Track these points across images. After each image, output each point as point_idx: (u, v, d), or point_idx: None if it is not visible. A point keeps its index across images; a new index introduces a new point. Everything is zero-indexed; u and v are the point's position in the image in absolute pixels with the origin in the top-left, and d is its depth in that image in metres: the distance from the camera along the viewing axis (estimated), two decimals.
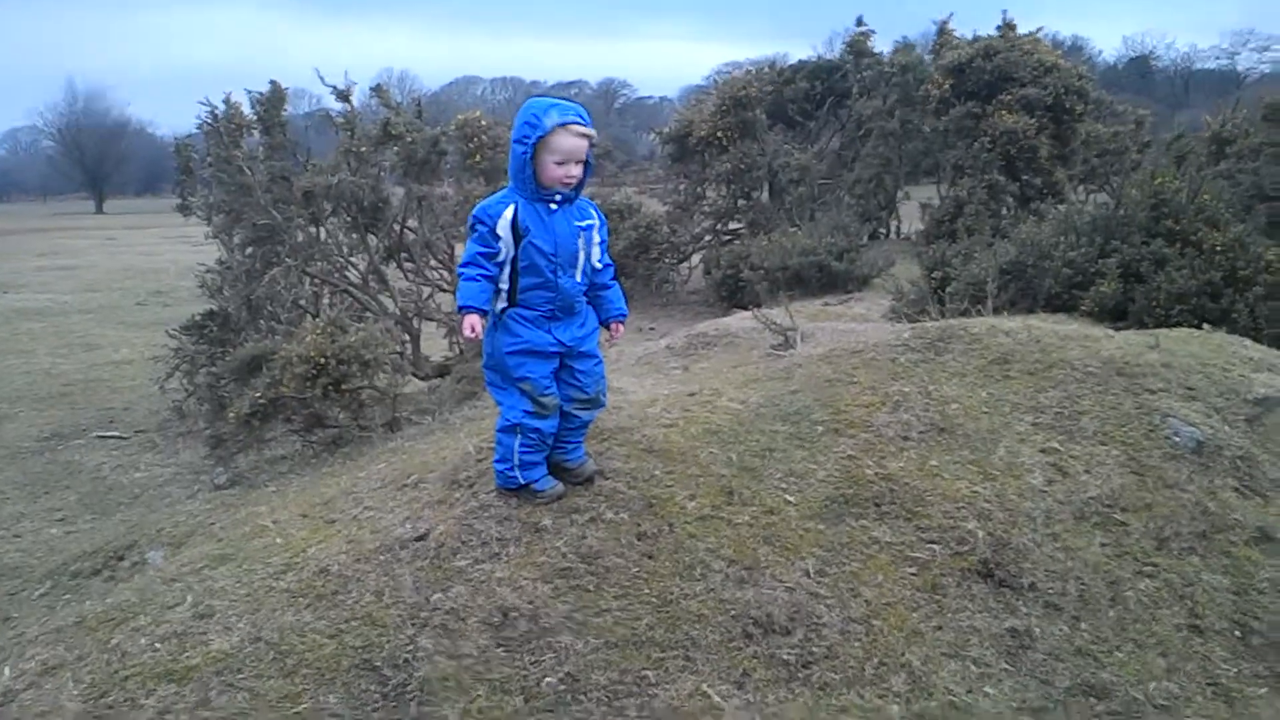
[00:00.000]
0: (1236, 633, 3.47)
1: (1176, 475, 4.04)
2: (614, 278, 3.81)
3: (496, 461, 3.78)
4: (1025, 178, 15.41)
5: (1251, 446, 4.31)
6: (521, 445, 3.66)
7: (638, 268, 15.66)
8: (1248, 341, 5.63)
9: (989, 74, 15.83)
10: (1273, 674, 3.35)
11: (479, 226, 3.46)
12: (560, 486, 3.77)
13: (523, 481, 3.73)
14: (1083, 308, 7.87)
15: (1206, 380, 4.71)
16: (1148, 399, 4.45)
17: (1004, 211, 14.99)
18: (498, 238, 3.45)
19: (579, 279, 3.59)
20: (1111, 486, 3.95)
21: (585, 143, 3.45)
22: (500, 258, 3.48)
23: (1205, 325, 6.10)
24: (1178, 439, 4.21)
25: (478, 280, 3.44)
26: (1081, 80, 16.18)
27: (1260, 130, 11.16)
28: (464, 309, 3.43)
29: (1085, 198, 15.98)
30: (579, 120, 3.41)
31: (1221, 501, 3.96)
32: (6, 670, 3.31)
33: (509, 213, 3.44)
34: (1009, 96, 15.53)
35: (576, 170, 3.46)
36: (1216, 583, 3.63)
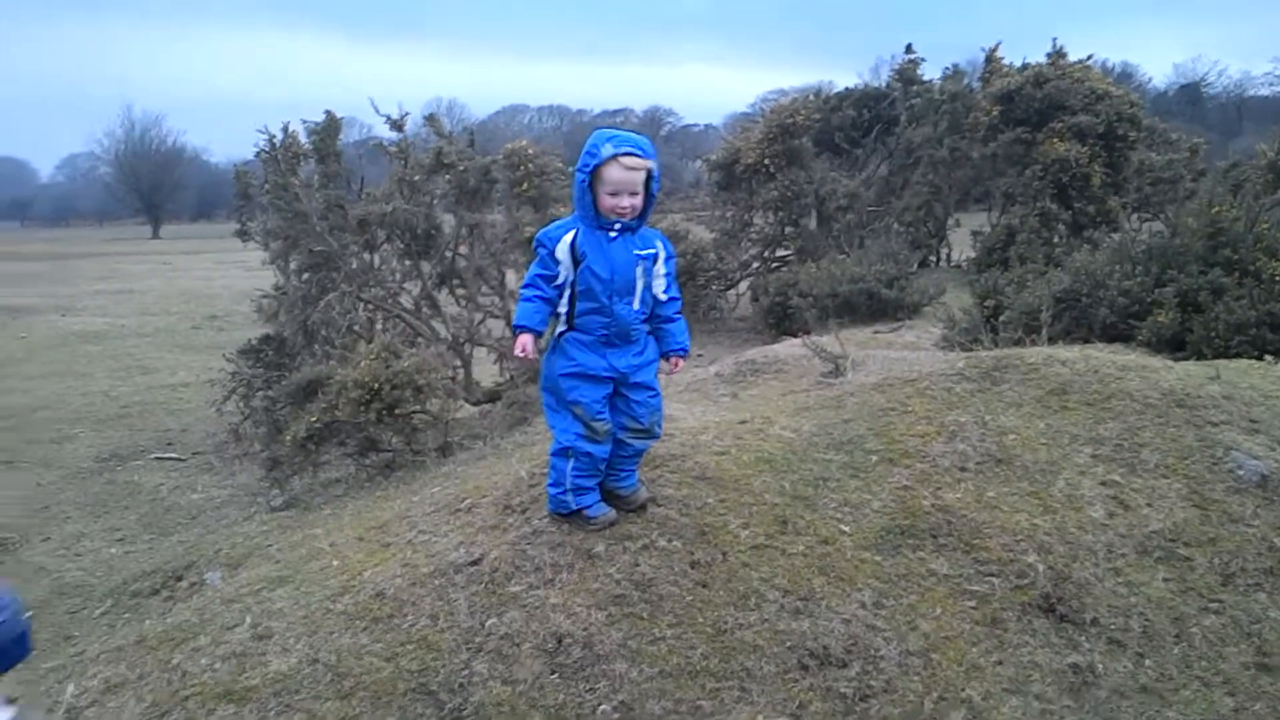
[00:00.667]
0: None
1: (1241, 509, 3.95)
2: (678, 312, 3.78)
3: (550, 485, 3.79)
4: (1078, 206, 15.23)
5: None
6: (574, 470, 3.68)
7: (685, 294, 15.61)
8: None
9: (1039, 101, 15.70)
10: None
11: (540, 249, 3.52)
12: (612, 513, 3.77)
13: (575, 507, 3.74)
14: (1139, 338, 7.74)
15: (1269, 413, 4.62)
16: (1210, 431, 4.37)
17: (1056, 240, 14.81)
18: (557, 261, 3.51)
19: (636, 307, 3.60)
20: (1174, 520, 3.88)
21: (638, 175, 3.47)
22: (559, 280, 3.53)
23: (1267, 356, 5.98)
24: (1242, 472, 4.12)
25: (533, 301, 3.51)
26: (1133, 108, 16.00)
27: None
28: (518, 329, 3.50)
29: (1139, 226, 15.78)
30: (632, 152, 3.43)
31: None
32: (70, 687, 3.36)
33: (569, 237, 3.49)
34: (1060, 124, 15.39)
35: (629, 201, 3.48)
36: None
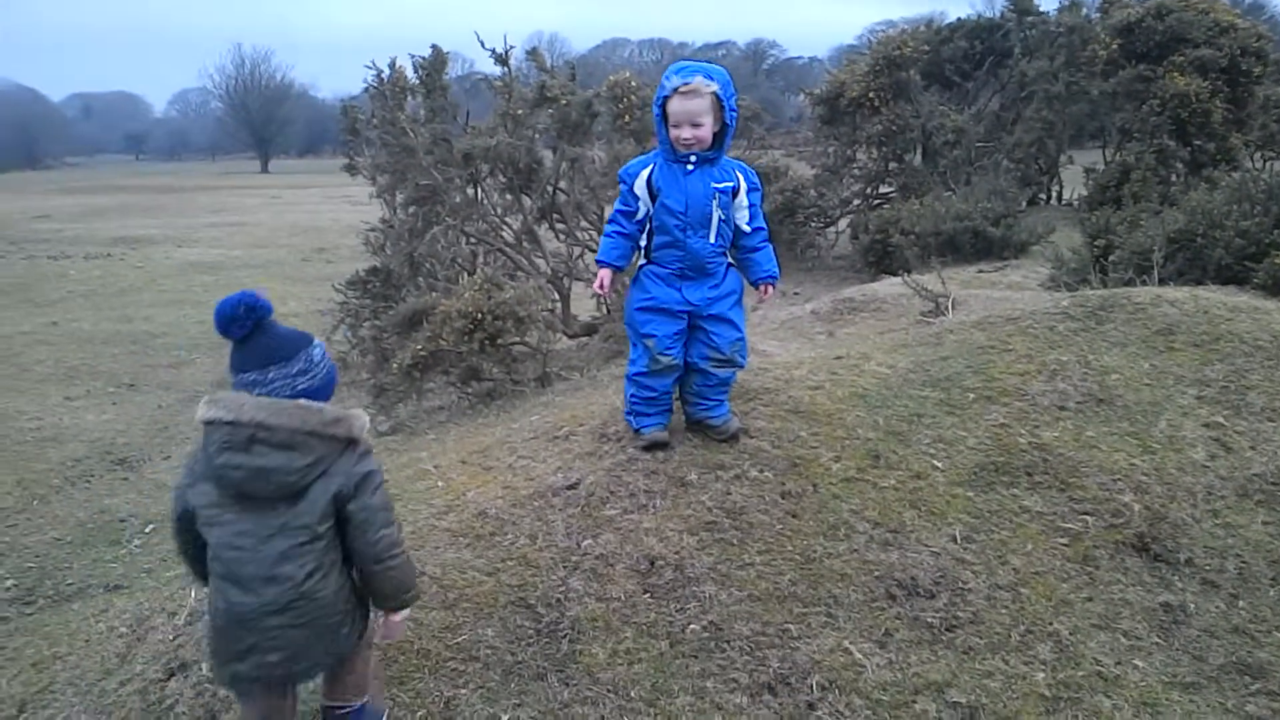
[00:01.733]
0: None
1: None
2: (764, 240, 3.79)
3: (626, 403, 3.99)
4: (1197, 143, 14.59)
5: None
6: (633, 397, 3.86)
7: (783, 232, 15.52)
8: None
9: (1160, 34, 14.99)
10: None
11: (621, 185, 3.61)
12: (662, 435, 3.88)
13: (635, 427, 3.93)
14: (1255, 281, 7.45)
15: None
16: None
17: (1173, 178, 14.24)
18: (636, 197, 3.58)
19: (712, 240, 3.61)
20: (1278, 464, 3.80)
21: (695, 105, 3.42)
22: (639, 216, 3.60)
23: None
24: None
25: (612, 237, 3.62)
26: (1260, 40, 15.16)
27: None
28: (599, 263, 3.65)
29: (1263, 165, 15.06)
30: (688, 81, 3.39)
31: None
32: (193, 593, 3.60)
33: (646, 172, 3.55)
34: (1181, 58, 14.68)
35: (690, 133, 3.45)
36: None
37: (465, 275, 7.83)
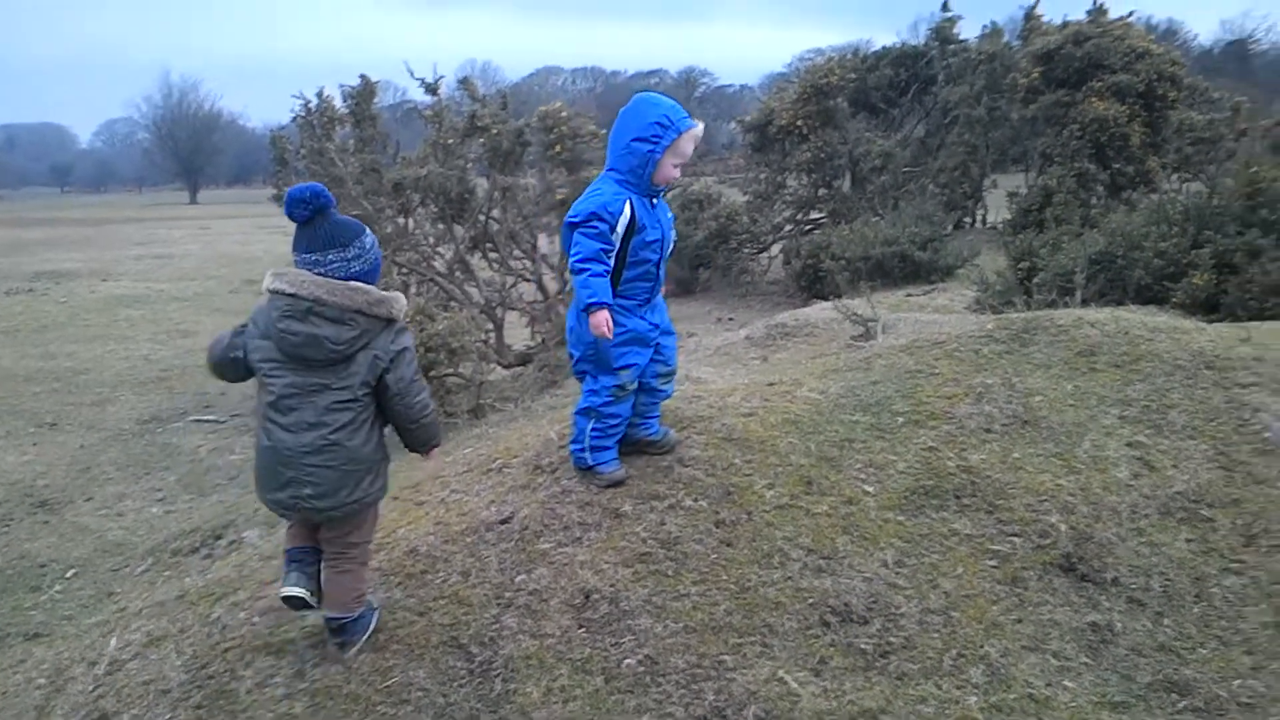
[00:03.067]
0: None
1: (1266, 471, 3.94)
2: None
3: (571, 443, 3.92)
4: (1116, 166, 15.02)
5: None
6: (594, 430, 3.82)
7: (717, 258, 15.68)
8: None
9: (1079, 61, 15.42)
10: None
11: (598, 224, 3.50)
12: (621, 472, 3.88)
13: (591, 463, 3.87)
14: (1174, 300, 7.67)
15: None
16: (1238, 393, 4.35)
17: (1094, 201, 14.62)
18: (616, 234, 3.54)
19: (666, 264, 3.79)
20: (1199, 482, 3.88)
21: (693, 146, 3.61)
22: (612, 252, 3.57)
23: None
24: (1268, 434, 4.11)
25: (602, 277, 3.51)
26: (1174, 66, 15.68)
27: None
28: (597, 305, 3.47)
29: (1179, 187, 15.52)
30: (694, 126, 3.56)
31: None
32: (113, 641, 3.49)
33: (627, 209, 3.54)
34: (1099, 83, 15.12)
35: (679, 171, 3.67)
36: None
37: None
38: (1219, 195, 8.30)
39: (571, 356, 3.88)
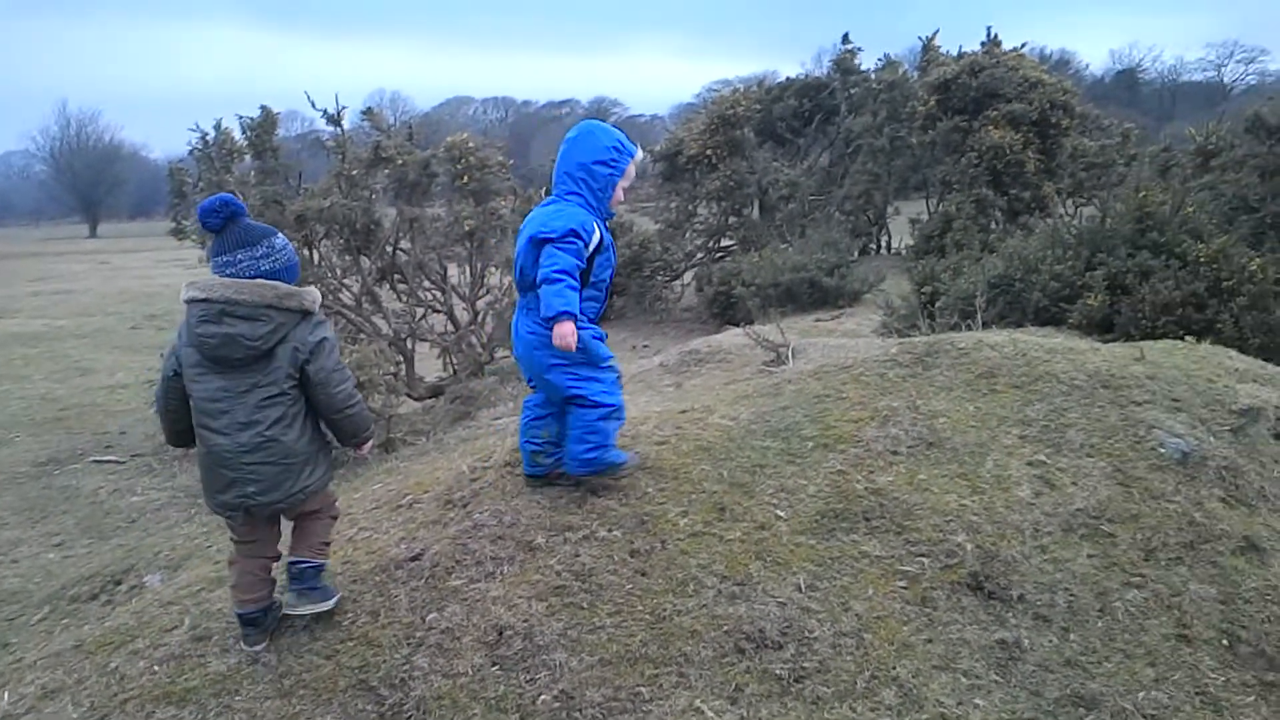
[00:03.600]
0: (1224, 641, 3.51)
1: (1163, 486, 4.08)
2: None
3: (588, 451, 3.85)
4: (1013, 192, 15.51)
5: (1237, 457, 4.36)
6: (612, 427, 3.90)
7: (631, 285, 15.74)
8: (1232, 352, 5.69)
9: (975, 90, 15.95)
10: (1260, 682, 3.39)
11: (575, 241, 3.58)
12: (637, 457, 4.12)
13: (615, 461, 3.94)
14: (1070, 321, 7.92)
15: (1191, 391, 4.76)
16: (1133, 411, 4.50)
17: (992, 226, 15.08)
18: (587, 251, 3.65)
19: None
20: (1098, 498, 3.99)
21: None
22: (579, 270, 3.65)
23: (1189, 337, 6.16)
24: (1164, 450, 4.26)
25: (575, 289, 3.56)
26: (1066, 95, 16.31)
27: (1244, 142, 11.26)
28: (566, 315, 3.48)
29: (1073, 211, 16.09)
30: (638, 151, 3.85)
31: (1208, 512, 4.00)
32: (5, 695, 3.33)
33: (597, 231, 3.69)
34: (995, 112, 15.64)
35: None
36: (1204, 592, 3.66)
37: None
38: (1111, 219, 8.60)
39: (538, 375, 3.88)
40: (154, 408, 3.32)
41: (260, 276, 3.06)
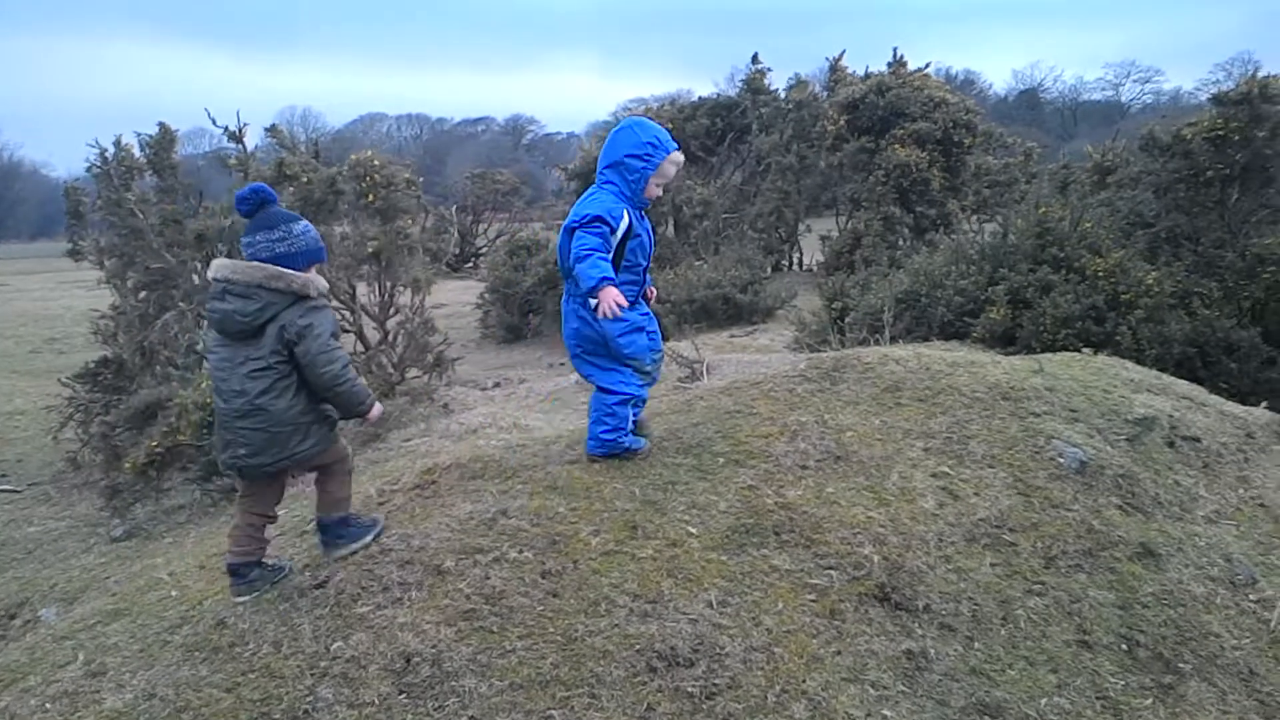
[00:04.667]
0: (1123, 646, 3.61)
1: (1062, 495, 4.19)
2: None
3: (606, 432, 4.23)
4: (919, 209, 15.86)
5: (1132, 465, 4.50)
6: (628, 415, 4.23)
7: (548, 304, 15.69)
8: (1128, 363, 5.88)
9: (881, 110, 16.28)
10: (1158, 685, 3.49)
11: (601, 226, 3.86)
12: (649, 444, 4.39)
13: (630, 446, 4.28)
14: (974, 334, 8.12)
15: (1088, 402, 4.91)
16: (1033, 422, 4.62)
17: (900, 242, 15.39)
18: (615, 236, 3.90)
19: None
20: (1000, 508, 4.08)
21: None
22: (610, 253, 3.90)
23: (1086, 349, 6.34)
24: (1062, 460, 4.37)
25: (608, 260, 3.82)
26: (970, 114, 16.74)
27: (1139, 159, 11.66)
28: (606, 282, 3.70)
29: (978, 228, 16.49)
30: (677, 150, 4.11)
31: (1105, 519, 4.12)
32: None
33: (626, 217, 3.95)
34: (901, 131, 15.99)
35: (662, 190, 4.19)
36: (1103, 598, 3.77)
37: (204, 363, 7.42)
38: (1012, 235, 8.84)
39: (577, 354, 4.25)
40: None
41: (274, 258, 3.41)
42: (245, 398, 3.38)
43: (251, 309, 3.36)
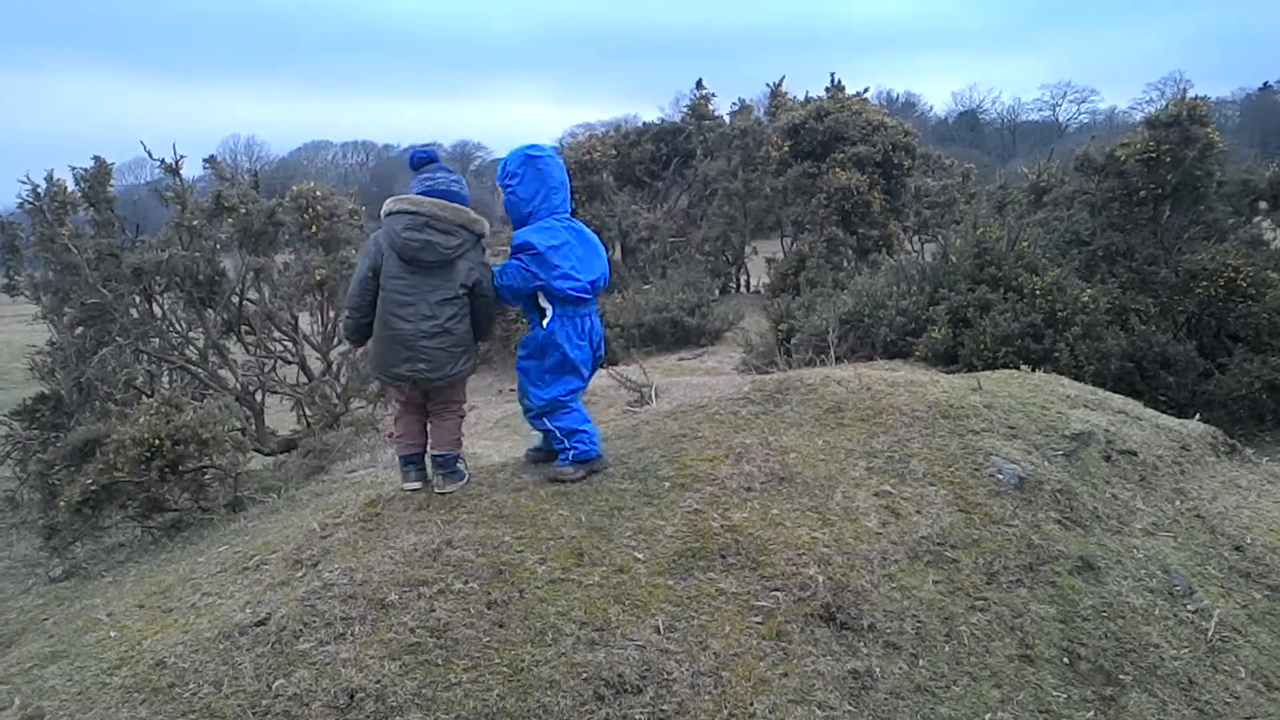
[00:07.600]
0: (1065, 659, 3.65)
1: (1001, 511, 4.25)
2: None
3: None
4: (861, 231, 16.07)
5: (1070, 480, 4.57)
6: (580, 418, 4.49)
7: (496, 329, 15.64)
8: (1064, 379, 5.99)
9: (822, 134, 16.49)
10: (1099, 697, 3.54)
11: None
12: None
13: (596, 454, 4.50)
14: (917, 353, 8.22)
15: (1026, 419, 4.99)
16: (972, 439, 4.68)
17: (844, 264, 15.57)
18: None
19: None
20: (942, 525, 4.12)
21: None
22: None
23: (1024, 366, 6.45)
24: (1001, 476, 4.43)
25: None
26: (908, 136, 17.01)
27: (1074, 179, 11.91)
28: None
29: (919, 248, 16.74)
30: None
31: (1045, 534, 4.18)
32: None
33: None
34: (842, 155, 16.21)
35: None
36: (1044, 612, 3.81)
37: (144, 398, 7.29)
38: (952, 255, 8.98)
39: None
40: (346, 305, 4.35)
41: (450, 193, 4.15)
42: (436, 320, 4.04)
43: (453, 243, 4.06)
